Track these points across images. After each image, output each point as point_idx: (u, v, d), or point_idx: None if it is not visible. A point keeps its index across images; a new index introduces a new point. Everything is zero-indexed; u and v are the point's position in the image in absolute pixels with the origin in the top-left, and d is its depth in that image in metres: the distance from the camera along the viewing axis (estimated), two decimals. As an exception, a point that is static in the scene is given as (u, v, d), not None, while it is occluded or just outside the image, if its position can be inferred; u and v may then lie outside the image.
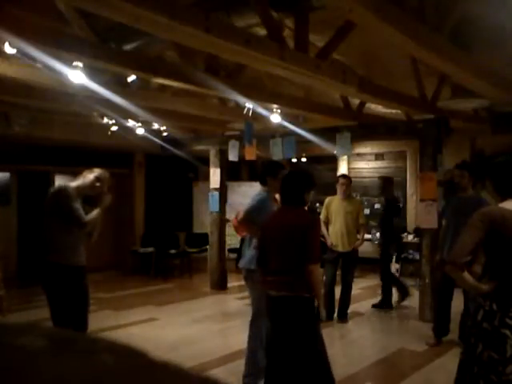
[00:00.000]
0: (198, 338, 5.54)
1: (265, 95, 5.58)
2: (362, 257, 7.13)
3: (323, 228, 6.05)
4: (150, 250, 9.56)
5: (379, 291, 6.95)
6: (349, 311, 6.30)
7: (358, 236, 6.34)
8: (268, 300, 3.44)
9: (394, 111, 6.55)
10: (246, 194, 9.05)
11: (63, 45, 3.53)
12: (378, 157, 9.83)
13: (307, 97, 6.42)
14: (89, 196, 3.95)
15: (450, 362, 3.83)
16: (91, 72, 4.25)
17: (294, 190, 3.42)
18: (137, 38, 4.33)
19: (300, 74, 4.08)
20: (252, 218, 4.06)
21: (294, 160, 9.06)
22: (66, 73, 4.05)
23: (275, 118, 6.10)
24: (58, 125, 7.54)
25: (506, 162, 2.69)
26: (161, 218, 10.31)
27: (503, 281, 2.48)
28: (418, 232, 7.54)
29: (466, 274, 2.48)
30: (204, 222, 9.82)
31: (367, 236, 7.84)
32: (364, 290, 7.91)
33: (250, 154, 7.12)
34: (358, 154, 9.78)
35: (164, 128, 7.74)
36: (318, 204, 8.72)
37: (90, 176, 3.93)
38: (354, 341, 5.62)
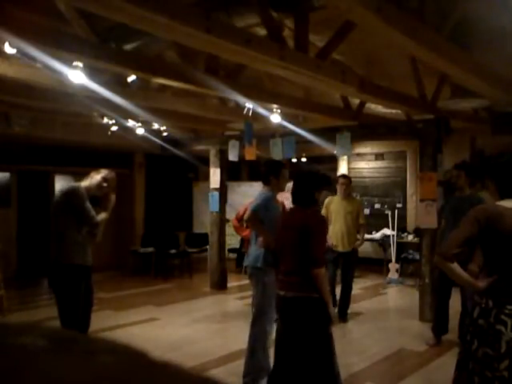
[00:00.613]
0: (198, 337, 5.54)
1: (264, 95, 5.58)
2: (362, 257, 7.13)
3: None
4: (150, 250, 9.56)
5: (380, 291, 6.94)
6: (349, 311, 6.31)
7: (358, 236, 6.35)
8: (278, 300, 3.44)
9: (393, 111, 6.54)
10: (246, 193, 9.08)
11: (63, 45, 3.52)
12: (378, 157, 9.83)
13: (307, 97, 6.42)
14: (93, 196, 3.96)
15: (450, 361, 3.82)
16: (91, 72, 4.25)
17: (304, 190, 3.42)
18: (137, 38, 4.32)
19: (300, 74, 4.08)
20: (259, 217, 4.09)
21: (294, 160, 9.05)
22: (66, 73, 4.04)
23: (275, 117, 6.10)
24: (58, 125, 7.54)
25: (509, 162, 2.70)
26: (161, 218, 10.32)
27: (500, 277, 2.49)
28: (417, 232, 7.54)
29: (456, 266, 2.49)
30: (204, 222, 9.83)
31: (367, 236, 7.84)
32: (364, 290, 7.92)
33: (250, 154, 7.12)
34: (358, 154, 9.78)
35: (164, 128, 7.74)
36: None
37: (97, 177, 3.94)
38: (354, 341, 5.62)
